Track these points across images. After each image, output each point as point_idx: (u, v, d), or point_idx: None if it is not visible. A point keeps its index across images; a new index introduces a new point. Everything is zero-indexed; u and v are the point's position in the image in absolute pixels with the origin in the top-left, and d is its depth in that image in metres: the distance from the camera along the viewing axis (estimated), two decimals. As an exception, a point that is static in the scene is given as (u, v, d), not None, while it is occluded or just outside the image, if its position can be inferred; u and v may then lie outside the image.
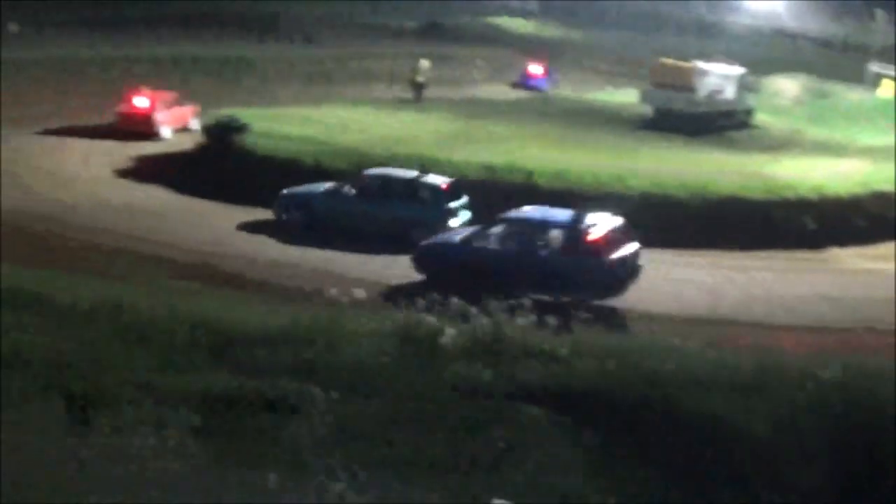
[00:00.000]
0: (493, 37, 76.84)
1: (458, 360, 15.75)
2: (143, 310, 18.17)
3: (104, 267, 26.70)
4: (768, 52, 72.70)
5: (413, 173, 31.69)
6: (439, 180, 31.30)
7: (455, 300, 19.15)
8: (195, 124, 42.56)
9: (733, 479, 13.06)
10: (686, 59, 53.29)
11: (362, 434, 12.93)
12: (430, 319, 17.43)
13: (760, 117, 52.56)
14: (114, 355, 15.35)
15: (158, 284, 24.39)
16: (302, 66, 60.35)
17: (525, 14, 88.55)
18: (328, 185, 31.91)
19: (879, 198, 34.31)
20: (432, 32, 75.34)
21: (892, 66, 65.94)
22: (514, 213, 27.04)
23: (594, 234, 25.33)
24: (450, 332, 16.64)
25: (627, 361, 16.32)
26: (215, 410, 13.36)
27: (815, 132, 49.57)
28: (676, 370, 16.07)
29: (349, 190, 31.31)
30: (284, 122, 39.93)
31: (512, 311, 19.00)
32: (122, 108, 43.66)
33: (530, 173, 33.04)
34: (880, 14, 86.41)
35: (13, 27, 59.46)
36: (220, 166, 35.22)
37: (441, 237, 27.54)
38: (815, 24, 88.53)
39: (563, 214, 26.41)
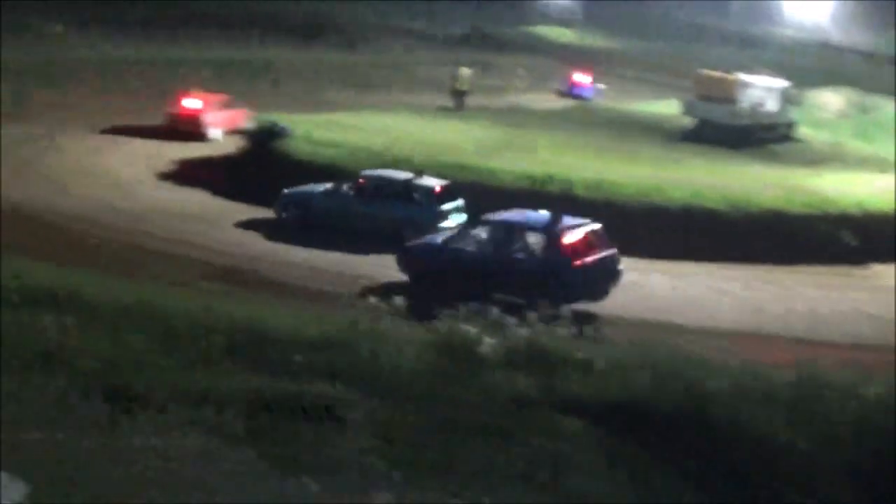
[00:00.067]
0: (534, 45, 76.78)
1: (497, 370, 15.73)
2: (180, 312, 18.23)
3: (141, 268, 26.90)
4: (812, 64, 72.31)
5: (408, 175, 32.27)
6: (432, 182, 31.84)
7: (494, 310, 19.12)
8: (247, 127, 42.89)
9: (772, 496, 12.97)
10: (728, 70, 53.05)
11: (401, 442, 12.90)
12: (469, 328, 17.40)
13: (803, 130, 52.26)
14: (151, 356, 15.40)
15: (195, 286, 24.51)
16: (344, 72, 60.47)
17: (567, 23, 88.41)
18: (328, 185, 32.52)
19: (922, 214, 34.03)
20: (474, 40, 75.33)
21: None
22: (493, 216, 27.40)
23: (567, 238, 25.59)
24: (488, 342, 16.61)
25: (665, 375, 16.22)
26: (253, 414, 13.35)
27: (859, 146, 49.29)
28: (715, 384, 15.96)
29: (347, 190, 31.96)
30: (325, 128, 40.02)
31: (550, 321, 18.97)
32: (173, 109, 44.19)
33: (570, 183, 32.99)
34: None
35: (58, 28, 59.88)
36: (260, 171, 35.36)
37: (425, 238, 27.84)
38: (860, 36, 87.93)
39: (539, 217, 26.73)
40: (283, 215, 32.51)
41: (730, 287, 28.84)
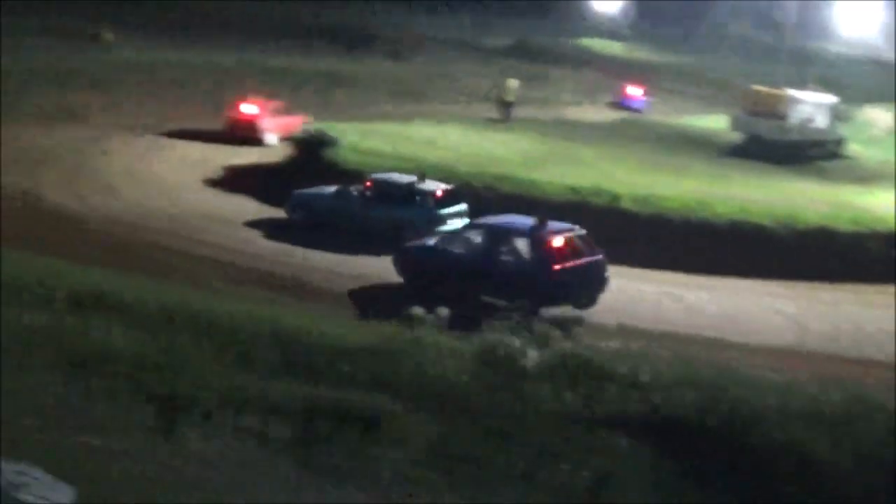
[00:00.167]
0: (582, 58, 76.60)
1: (540, 383, 15.70)
2: (226, 317, 18.33)
3: (186, 273, 27.08)
4: (862, 81, 71.69)
5: (411, 178, 32.59)
6: (434, 186, 32.19)
7: (538, 323, 19.10)
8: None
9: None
10: (778, 86, 52.78)
11: (444, 453, 12.91)
12: (513, 341, 17.40)
13: (852, 147, 51.87)
14: (196, 362, 15.48)
15: (241, 292, 24.62)
16: (392, 82, 60.58)
17: (615, 36, 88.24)
18: (337, 187, 33.02)
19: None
20: (522, 52, 75.21)
21: None
22: (482, 220, 28.07)
23: (549, 242, 25.89)
24: (532, 355, 16.60)
25: (710, 391, 16.16)
26: (297, 422, 13.40)
27: (908, 164, 48.81)
28: (760, 402, 15.87)
29: (354, 192, 32.45)
30: (373, 138, 40.12)
31: (595, 335, 18.95)
32: (231, 114, 45.18)
33: (616, 196, 32.88)
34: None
35: (108, 35, 60.35)
36: (307, 179, 35.44)
37: (420, 241, 28.19)
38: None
39: (525, 222, 27.10)
40: (292, 216, 33.10)
41: (775, 304, 28.63)
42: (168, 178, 38.09)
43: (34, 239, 28.84)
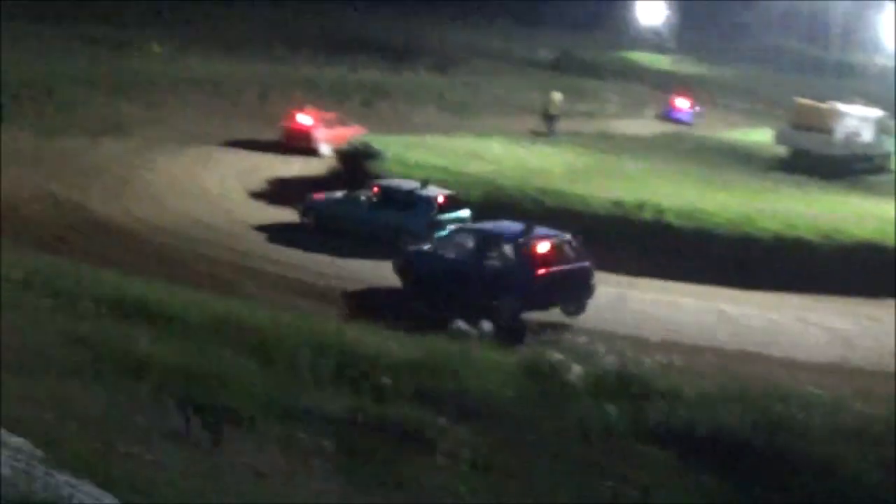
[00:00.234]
0: (627, 71, 76.42)
1: (585, 398, 15.69)
2: (270, 329, 18.42)
3: (230, 284, 27.23)
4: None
5: (413, 184, 33.18)
6: (434, 192, 32.69)
7: (582, 338, 19.10)
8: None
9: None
10: (824, 99, 52.44)
11: (488, 466, 12.92)
12: (556, 355, 17.39)
13: (899, 162, 51.47)
14: (241, 373, 15.55)
15: (282, 304, 24.71)
16: (436, 95, 60.66)
17: (660, 49, 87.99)
18: (345, 191, 34.07)
19: None
20: (567, 65, 75.10)
21: None
22: (472, 225, 29.19)
23: (532, 248, 26.33)
24: (576, 370, 16.59)
25: (753, 406, 16.09)
26: (340, 433, 13.44)
27: (956, 179, 48.34)
28: (804, 417, 15.80)
29: (362, 197, 33.19)
30: (416, 150, 40.19)
31: (639, 349, 18.92)
32: (287, 124, 46.08)
33: (660, 210, 32.79)
34: None
35: (156, 48, 60.84)
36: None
37: (417, 246, 28.66)
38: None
39: (512, 227, 27.63)
40: (304, 219, 34.01)
41: (820, 319, 28.45)
42: (213, 189, 38.31)
43: (80, 249, 29.16)
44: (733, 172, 44.57)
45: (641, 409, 15.39)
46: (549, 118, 53.22)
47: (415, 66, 67.00)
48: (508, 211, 31.90)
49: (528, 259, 26.22)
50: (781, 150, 50.35)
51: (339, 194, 34.11)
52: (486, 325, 20.44)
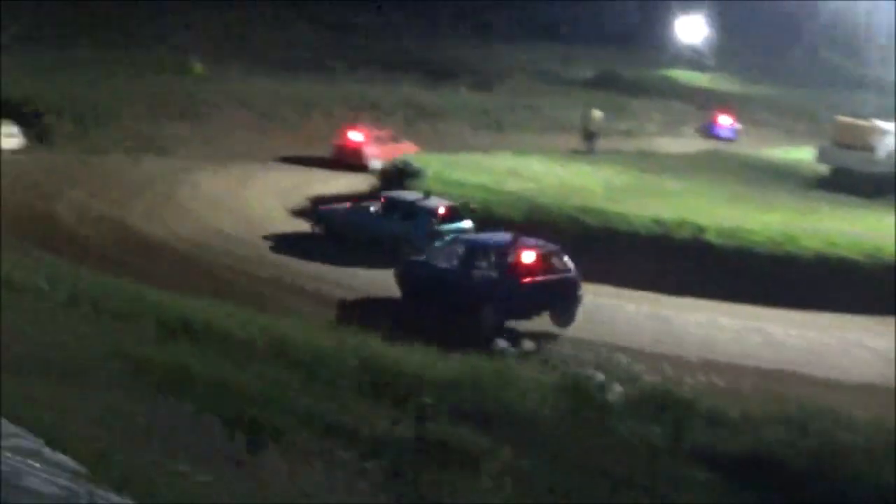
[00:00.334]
0: (667, 89, 76.20)
1: (626, 418, 15.66)
2: (312, 346, 18.50)
3: (272, 301, 27.35)
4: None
5: (416, 195, 34.21)
6: (435, 203, 33.43)
7: (622, 357, 19.08)
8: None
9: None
10: (866, 117, 52.17)
11: (529, 485, 12.91)
12: (598, 374, 17.39)
13: (942, 180, 51.05)
14: (282, 389, 15.61)
15: (321, 321, 24.80)
16: (476, 113, 60.76)
17: (701, 67, 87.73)
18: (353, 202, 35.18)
19: None
20: (606, 83, 74.97)
21: None
22: (463, 236, 29.92)
23: (517, 258, 26.72)
24: (618, 389, 16.57)
25: (795, 426, 16.03)
26: (381, 451, 13.47)
27: None
28: (847, 439, 15.71)
29: (371, 208, 34.01)
30: (456, 168, 40.28)
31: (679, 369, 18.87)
32: (338, 141, 47.21)
33: (701, 229, 32.69)
34: None
35: (198, 66, 61.26)
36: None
37: (415, 256, 29.12)
38: None
39: (499, 237, 28.22)
40: (316, 229, 35.03)
41: (862, 339, 28.25)
42: (255, 207, 38.50)
43: (123, 266, 29.38)
44: (774, 191, 44.40)
45: (683, 430, 15.35)
46: (589, 136, 53.19)
47: (456, 85, 67.11)
48: (548, 229, 31.89)
49: (510, 269, 26.70)
50: (823, 169, 50.12)
51: (348, 205, 35.09)
52: (528, 344, 20.45)
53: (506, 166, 42.74)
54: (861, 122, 50.91)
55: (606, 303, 29.28)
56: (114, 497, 8.36)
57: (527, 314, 26.90)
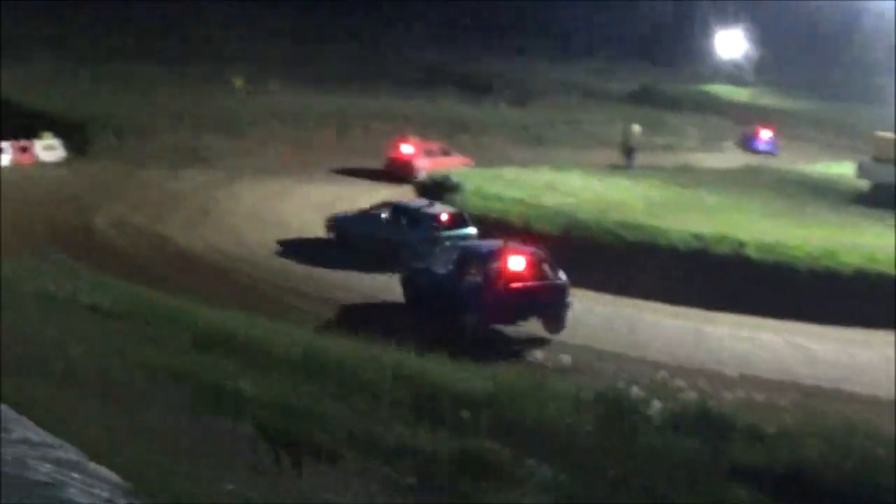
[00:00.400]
0: (706, 104, 75.98)
1: (665, 433, 15.61)
2: (350, 361, 18.52)
3: (311, 315, 27.44)
4: None
5: (421, 203, 35.08)
6: (437, 210, 34.11)
7: (660, 372, 19.04)
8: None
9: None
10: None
11: (570, 501, 12.89)
12: (635, 390, 17.35)
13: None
14: (322, 405, 15.63)
15: (358, 335, 24.87)
16: (515, 128, 60.78)
17: (740, 82, 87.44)
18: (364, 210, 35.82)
19: None
20: (646, 98, 74.85)
21: None
22: (455, 242, 30.49)
23: (504, 264, 27.06)
24: (655, 405, 16.53)
25: (835, 443, 15.94)
26: (420, 466, 13.47)
27: None
28: (887, 455, 15.61)
29: (381, 216, 34.66)
30: (495, 182, 40.36)
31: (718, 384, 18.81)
32: (390, 153, 47.99)
33: (741, 244, 32.58)
34: None
35: (239, 81, 61.62)
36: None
37: (418, 263, 29.67)
38: None
39: (488, 245, 28.96)
40: (328, 236, 35.78)
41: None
42: (292, 221, 38.62)
43: (162, 278, 29.58)
44: (814, 206, 44.17)
45: (722, 446, 15.30)
46: (628, 151, 53.07)
47: (495, 99, 67.22)
48: (586, 244, 31.91)
49: (492, 275, 27.07)
50: (863, 184, 49.81)
51: (358, 211, 35.80)
52: (565, 358, 20.46)
53: (545, 181, 42.75)
54: (900, 137, 50.52)
55: (646, 318, 29.24)
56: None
57: (513, 319, 27.39)
